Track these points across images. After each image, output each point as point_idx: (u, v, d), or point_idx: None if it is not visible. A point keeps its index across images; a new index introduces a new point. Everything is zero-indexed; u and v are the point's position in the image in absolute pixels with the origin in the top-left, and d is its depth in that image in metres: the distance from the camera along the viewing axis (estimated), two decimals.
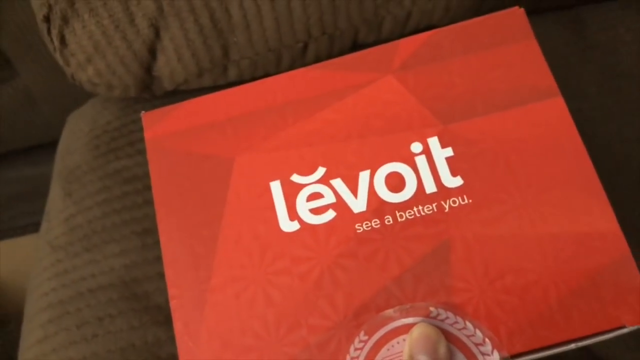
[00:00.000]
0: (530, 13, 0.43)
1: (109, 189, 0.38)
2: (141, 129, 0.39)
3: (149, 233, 0.35)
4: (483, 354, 0.16)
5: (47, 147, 0.60)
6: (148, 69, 0.38)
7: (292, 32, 0.37)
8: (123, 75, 0.37)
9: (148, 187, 0.37)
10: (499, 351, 0.16)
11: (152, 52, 0.37)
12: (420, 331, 0.17)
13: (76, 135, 0.41)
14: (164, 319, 0.32)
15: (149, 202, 0.36)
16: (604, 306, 0.17)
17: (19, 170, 0.93)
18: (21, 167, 0.92)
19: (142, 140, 0.39)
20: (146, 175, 0.38)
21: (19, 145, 0.91)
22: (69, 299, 0.34)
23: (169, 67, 0.37)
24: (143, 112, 0.24)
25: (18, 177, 0.93)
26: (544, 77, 0.21)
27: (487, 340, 0.17)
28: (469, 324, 0.17)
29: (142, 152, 0.39)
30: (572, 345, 0.17)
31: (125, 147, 0.40)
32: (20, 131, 0.88)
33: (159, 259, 0.34)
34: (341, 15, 0.37)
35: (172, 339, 0.31)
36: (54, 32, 0.35)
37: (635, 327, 0.17)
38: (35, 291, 0.36)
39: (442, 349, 0.16)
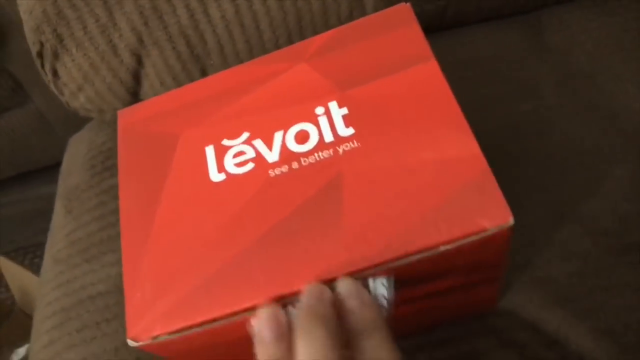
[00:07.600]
0: (494, 18, 0.45)
1: (105, 204, 0.41)
2: None
3: None
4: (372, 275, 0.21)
5: None
6: (134, 94, 0.41)
7: (264, 52, 0.40)
8: (112, 100, 0.41)
9: None
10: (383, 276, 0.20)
11: (137, 79, 0.40)
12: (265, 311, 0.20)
13: (75, 157, 0.45)
14: None
15: None
16: (469, 215, 0.20)
17: (37, 189, 0.96)
18: (39, 186, 0.96)
19: None
20: None
21: (36, 165, 0.94)
22: (70, 306, 0.37)
23: (153, 91, 0.41)
24: (118, 110, 0.29)
25: (37, 195, 0.97)
26: (422, 47, 0.25)
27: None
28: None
29: None
30: (441, 248, 0.20)
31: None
32: (36, 152, 0.92)
33: None
34: (308, 33, 0.40)
35: None
36: (47, 66, 0.39)
37: (495, 229, 0.20)
38: (41, 301, 0.39)
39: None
